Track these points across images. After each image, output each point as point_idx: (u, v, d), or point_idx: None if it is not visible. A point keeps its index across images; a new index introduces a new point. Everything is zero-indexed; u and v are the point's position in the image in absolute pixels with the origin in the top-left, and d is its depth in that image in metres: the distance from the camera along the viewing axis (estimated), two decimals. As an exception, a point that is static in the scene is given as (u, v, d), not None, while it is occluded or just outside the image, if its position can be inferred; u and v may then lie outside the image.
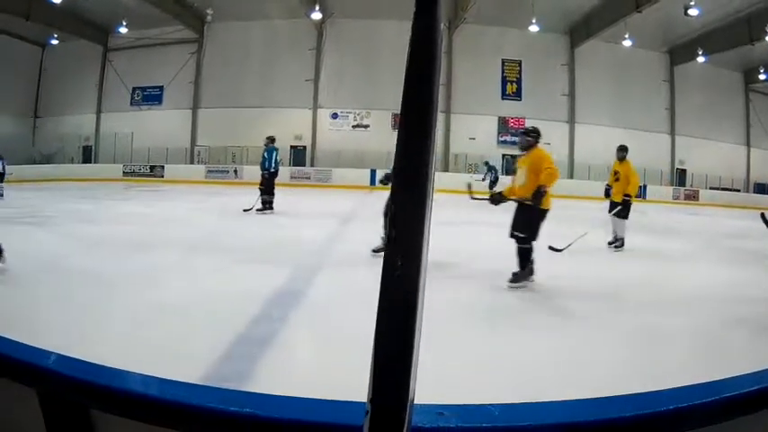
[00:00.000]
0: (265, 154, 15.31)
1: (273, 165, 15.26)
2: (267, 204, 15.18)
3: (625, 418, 0.96)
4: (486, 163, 25.92)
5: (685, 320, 5.73)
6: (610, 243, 11.06)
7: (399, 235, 0.64)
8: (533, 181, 6.86)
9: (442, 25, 0.67)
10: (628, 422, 0.97)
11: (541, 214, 7.01)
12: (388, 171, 9.09)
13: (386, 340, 0.64)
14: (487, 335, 5.15)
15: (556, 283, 7.23)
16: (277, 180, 15.39)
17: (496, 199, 7.47)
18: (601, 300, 6.70)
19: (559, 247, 8.57)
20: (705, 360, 4.56)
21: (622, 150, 11.44)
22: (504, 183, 20.96)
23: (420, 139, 0.65)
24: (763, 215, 5.79)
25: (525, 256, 7.03)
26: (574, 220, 12.18)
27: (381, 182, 9.34)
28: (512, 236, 7.09)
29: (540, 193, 6.80)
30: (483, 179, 24.63)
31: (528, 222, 6.96)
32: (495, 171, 24.85)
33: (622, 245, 10.94)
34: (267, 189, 15.27)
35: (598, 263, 9.50)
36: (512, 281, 6.97)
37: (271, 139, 15.44)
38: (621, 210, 11.00)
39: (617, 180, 11.27)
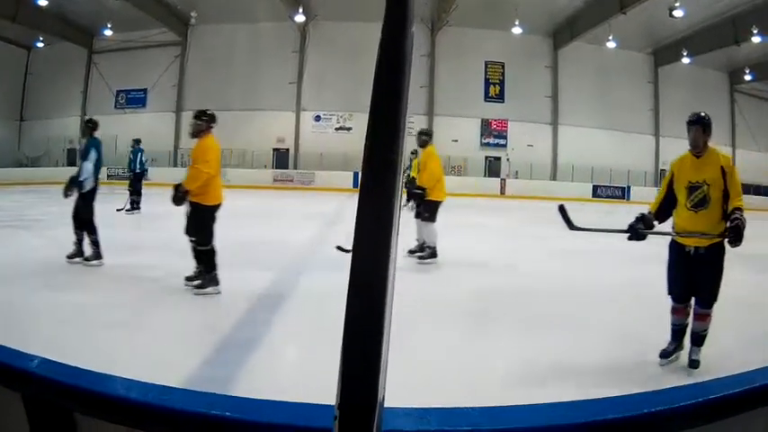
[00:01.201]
0: (131, 155, 16.01)
1: (139, 165, 15.88)
2: (135, 204, 15.44)
3: (610, 421, 0.96)
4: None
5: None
6: (411, 252, 8.99)
7: (366, 240, 0.65)
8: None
9: (413, 32, 0.66)
10: (613, 424, 0.96)
11: (208, 213, 6.49)
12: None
13: (354, 345, 0.64)
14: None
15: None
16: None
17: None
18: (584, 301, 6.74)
19: (348, 248, 8.36)
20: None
21: (422, 135, 9.23)
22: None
23: (388, 147, 0.65)
24: (561, 207, 4.37)
25: (206, 259, 6.47)
26: (550, 220, 12.05)
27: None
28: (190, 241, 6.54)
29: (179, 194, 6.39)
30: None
31: (199, 225, 6.46)
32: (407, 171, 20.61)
33: (433, 255, 8.80)
34: (135, 189, 15.65)
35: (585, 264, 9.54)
36: (198, 287, 6.41)
37: (137, 141, 16.24)
38: (423, 208, 8.90)
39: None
